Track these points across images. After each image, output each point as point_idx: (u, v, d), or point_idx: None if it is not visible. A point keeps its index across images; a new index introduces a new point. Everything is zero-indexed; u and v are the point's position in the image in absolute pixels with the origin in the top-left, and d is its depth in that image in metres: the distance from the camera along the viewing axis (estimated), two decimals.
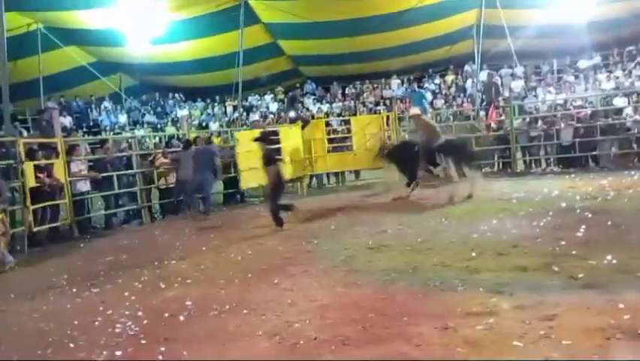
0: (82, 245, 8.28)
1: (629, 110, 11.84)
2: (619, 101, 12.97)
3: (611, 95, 13.50)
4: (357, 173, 13.65)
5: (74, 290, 5.52)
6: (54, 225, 8.67)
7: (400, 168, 10.60)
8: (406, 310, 4.04)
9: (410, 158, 9.96)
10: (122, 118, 19.09)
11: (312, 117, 16.66)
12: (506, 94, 14.86)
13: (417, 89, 17.37)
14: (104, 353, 3.78)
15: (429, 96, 17.05)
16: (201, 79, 19.22)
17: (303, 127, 12.99)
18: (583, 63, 16.86)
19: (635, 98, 12.46)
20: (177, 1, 13.92)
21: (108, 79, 17.83)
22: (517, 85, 16.37)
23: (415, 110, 10.52)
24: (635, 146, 11.40)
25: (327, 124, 13.91)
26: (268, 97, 20.19)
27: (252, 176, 11.08)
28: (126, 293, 5.20)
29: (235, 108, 18.66)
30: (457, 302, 4.13)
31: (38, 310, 4.96)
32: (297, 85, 20.66)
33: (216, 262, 6.25)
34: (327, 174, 13.64)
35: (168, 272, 5.93)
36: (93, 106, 19.18)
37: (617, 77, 15.18)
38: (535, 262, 4.93)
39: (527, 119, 12.68)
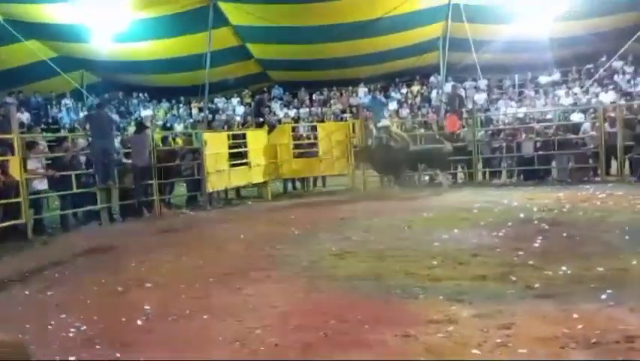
0: (36, 246, 7.99)
1: (586, 126, 12.28)
2: (576, 117, 13.44)
3: (568, 111, 13.97)
4: (323, 180, 13.66)
5: (27, 293, 5.32)
6: (7, 224, 8.33)
7: (381, 169, 11.02)
8: (368, 317, 4.05)
9: (392, 161, 10.37)
10: (88, 114, 18.57)
11: (279, 122, 16.63)
12: (469, 106, 15.19)
13: (378, 98, 17.57)
14: (57, 357, 3.64)
15: (391, 105, 17.31)
16: (167, 79, 18.94)
17: (269, 131, 12.95)
18: (543, 79, 17.42)
19: (592, 115, 12.92)
20: None
21: (69, 75, 17.36)
22: (480, 97, 16.77)
23: (385, 122, 10.88)
24: (590, 160, 11.81)
25: (294, 129, 13.89)
26: (235, 100, 20.05)
27: (219, 178, 11.00)
28: (81, 296, 5.05)
29: (201, 110, 18.46)
30: (418, 310, 4.18)
31: None
32: (265, 89, 20.58)
33: (177, 266, 6.14)
34: (293, 180, 13.61)
35: (126, 275, 5.78)
36: (53, 102, 18.61)
37: (575, 94, 15.73)
38: (494, 271, 5.04)
39: (490, 132, 12.99)
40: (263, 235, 7.71)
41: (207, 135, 11.26)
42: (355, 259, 5.93)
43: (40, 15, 14.18)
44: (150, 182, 10.42)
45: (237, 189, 12.51)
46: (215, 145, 11.07)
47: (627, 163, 11.46)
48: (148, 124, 11.60)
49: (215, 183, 10.99)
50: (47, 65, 16.06)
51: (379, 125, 11.96)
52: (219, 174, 11.01)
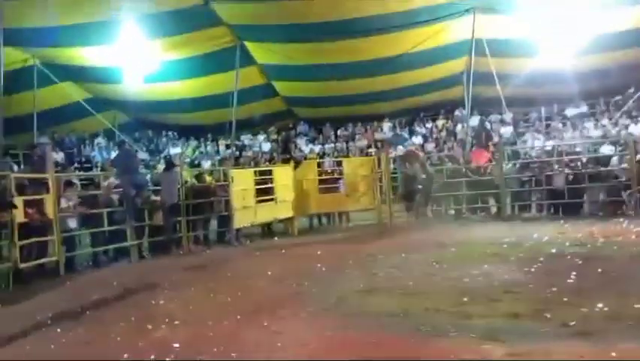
0: (68, 283, 8.11)
1: (614, 159, 12.07)
2: (606, 149, 13.20)
3: (598, 143, 13.75)
4: (347, 216, 13.63)
5: (58, 330, 5.39)
6: (41, 261, 8.52)
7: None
8: (398, 356, 3.99)
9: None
10: (114, 155, 19.08)
11: (305, 158, 16.78)
12: (496, 139, 15.10)
13: (400, 133, 17.62)
14: None
15: (415, 140, 17.37)
16: (195, 117, 19.39)
17: (295, 167, 13.07)
18: (570, 111, 17.24)
19: (621, 147, 12.69)
20: (174, 40, 14.20)
21: (102, 115, 17.95)
22: (507, 131, 16.66)
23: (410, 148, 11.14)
24: (622, 194, 11.53)
25: (319, 165, 13.98)
26: (261, 137, 20.34)
27: (245, 214, 11.08)
28: (112, 334, 5.09)
29: (228, 147, 18.77)
30: (449, 349, 4.09)
31: (21, 351, 4.83)
32: (290, 125, 20.86)
33: (205, 303, 6.15)
34: (319, 215, 13.62)
35: (156, 312, 5.82)
36: (86, 142, 19.20)
37: (604, 126, 15.50)
38: (527, 308, 4.92)
39: (517, 165, 12.85)
40: (290, 271, 7.69)
41: (234, 172, 11.42)
42: (383, 296, 5.86)
43: (76, 58, 14.80)
44: (179, 218, 10.57)
45: (264, 225, 12.56)
46: (242, 181, 11.20)
47: None
48: (177, 162, 11.80)
49: (241, 219, 11.07)
50: (81, 105, 16.67)
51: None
52: (246, 210, 11.10)
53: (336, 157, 16.66)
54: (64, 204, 9.02)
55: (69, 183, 9.53)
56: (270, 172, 12.38)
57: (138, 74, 14.62)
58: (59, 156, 16.47)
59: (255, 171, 12.42)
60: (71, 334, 5.24)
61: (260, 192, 11.71)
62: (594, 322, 4.44)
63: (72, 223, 9.14)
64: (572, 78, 14.99)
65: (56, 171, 10.39)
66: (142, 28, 13.04)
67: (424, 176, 11.84)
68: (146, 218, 10.22)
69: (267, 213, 11.75)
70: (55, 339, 5.10)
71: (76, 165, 16.87)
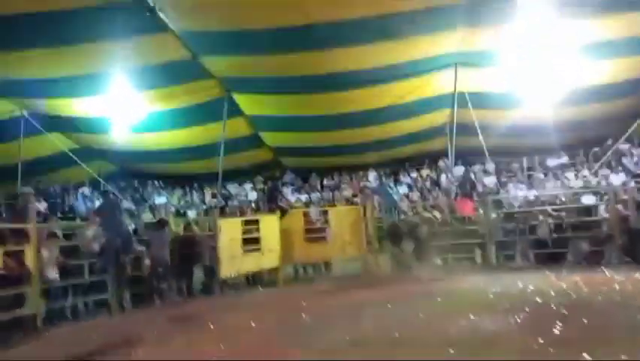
0: (46, 335, 7.88)
1: (601, 209, 12.27)
2: (587, 199, 13.43)
3: (580, 193, 13.99)
4: (327, 265, 13.55)
5: None
6: (18, 314, 8.28)
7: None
8: None
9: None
10: (98, 204, 18.90)
11: (291, 207, 16.78)
12: (480, 189, 15.30)
13: (384, 183, 17.75)
14: None
15: (400, 189, 17.53)
16: (181, 167, 19.41)
17: (281, 217, 13.06)
18: (551, 162, 17.60)
19: (604, 197, 12.93)
20: (162, 92, 14.40)
21: (88, 165, 17.90)
22: (490, 180, 16.89)
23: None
24: (605, 243, 11.65)
25: (305, 214, 14.00)
26: (248, 186, 20.36)
27: (231, 264, 10.95)
28: None
29: (214, 196, 18.73)
30: None
31: None
32: (277, 174, 20.95)
33: (188, 356, 6.00)
34: (304, 265, 13.52)
35: None
36: (70, 191, 19.04)
37: (585, 176, 15.81)
38: (514, 360, 4.87)
39: (502, 215, 12.98)
40: (275, 323, 7.57)
41: (222, 221, 11.38)
42: (369, 347, 5.78)
43: (63, 108, 14.88)
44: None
45: (249, 275, 12.41)
46: (230, 231, 11.14)
47: None
48: (165, 216, 11.76)
49: (227, 269, 10.94)
50: (67, 155, 16.62)
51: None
52: (232, 260, 10.99)
53: (322, 206, 16.69)
54: (45, 254, 8.86)
55: (52, 234, 9.40)
56: (256, 222, 12.35)
57: (125, 124, 14.70)
58: (42, 206, 16.27)
59: (242, 221, 12.38)
60: None
61: (246, 242, 11.64)
62: None
63: (52, 274, 8.95)
64: (551, 130, 15.39)
65: (39, 221, 10.25)
66: (130, 80, 13.22)
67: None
68: (127, 269, 10.07)
69: (253, 263, 11.64)
70: None
71: (59, 214, 16.63)
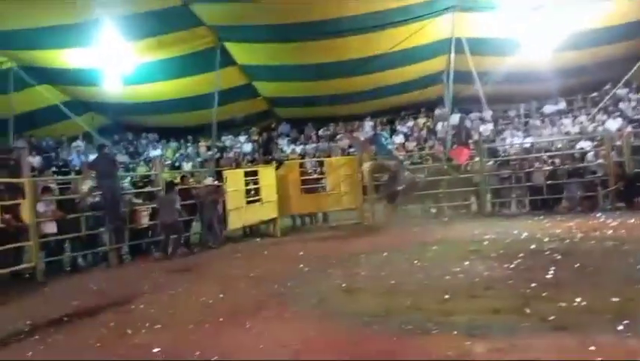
0: (46, 289, 7.98)
1: (590, 155, 12.29)
2: (583, 146, 13.43)
3: (576, 140, 13.96)
4: (324, 216, 13.62)
5: (36, 337, 5.29)
6: (17, 268, 8.36)
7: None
8: (381, 354, 4.00)
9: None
10: (92, 158, 18.77)
11: (287, 158, 16.74)
12: (476, 137, 15.24)
13: (378, 132, 17.65)
14: None
15: (397, 139, 17.47)
16: (175, 119, 19.22)
17: (277, 168, 13.03)
18: (548, 108, 17.48)
19: (598, 143, 12.92)
20: (153, 42, 14.05)
21: (81, 118, 17.68)
22: (486, 129, 16.80)
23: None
24: (599, 189, 11.72)
25: (301, 165, 13.96)
26: (242, 137, 20.24)
27: (238, 216, 10.97)
28: (91, 340, 5.01)
29: (209, 148, 18.64)
30: (431, 346, 4.11)
31: None
32: (272, 126, 20.80)
33: (186, 306, 6.09)
34: (301, 215, 13.60)
35: (136, 317, 5.75)
36: (64, 145, 18.90)
37: (582, 122, 15.74)
38: (507, 304, 4.96)
39: (499, 162, 12.99)
40: (272, 273, 7.66)
41: (228, 172, 11.31)
42: (365, 295, 5.87)
43: (53, 60, 14.56)
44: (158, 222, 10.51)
45: (245, 227, 12.50)
46: (234, 182, 11.09)
47: None
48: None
49: (234, 221, 10.96)
50: (59, 108, 16.38)
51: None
52: (238, 211, 10.99)
53: (318, 157, 16.65)
54: (41, 209, 8.86)
55: (46, 188, 9.36)
56: (255, 173, 12.28)
57: (117, 76, 14.43)
58: (36, 160, 16.19)
59: (245, 172, 12.33)
60: (50, 341, 5.15)
61: (247, 193, 11.64)
62: (572, 316, 4.50)
63: (50, 228, 8.98)
64: (550, 75, 15.21)
65: (33, 176, 10.21)
66: (120, 29, 12.87)
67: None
68: (126, 220, 10.13)
69: (254, 214, 11.66)
70: (33, 347, 5.00)
71: (53, 168, 16.57)
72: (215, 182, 11.68)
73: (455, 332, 4.31)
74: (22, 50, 14.06)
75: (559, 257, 6.92)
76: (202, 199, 11.01)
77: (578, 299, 4.87)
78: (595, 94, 16.72)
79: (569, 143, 13.83)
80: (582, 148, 13.21)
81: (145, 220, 10.54)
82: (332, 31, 14.01)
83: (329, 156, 16.10)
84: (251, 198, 11.56)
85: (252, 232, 12.44)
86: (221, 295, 6.45)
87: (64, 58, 14.40)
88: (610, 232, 8.66)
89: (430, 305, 5.16)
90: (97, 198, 9.90)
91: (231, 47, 15.00)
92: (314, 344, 4.42)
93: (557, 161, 12.28)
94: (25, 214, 8.40)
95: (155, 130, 20.73)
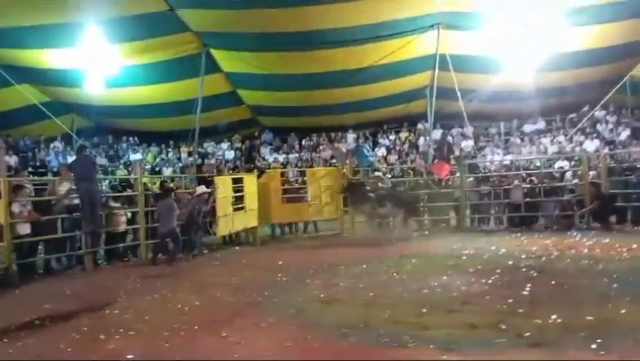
0: (18, 291, 7.79)
1: (568, 174, 12.52)
2: (561, 165, 13.66)
3: (553, 159, 14.21)
4: (315, 224, 13.62)
5: (5, 340, 5.15)
6: None
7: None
8: None
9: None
10: (71, 159, 18.46)
11: (269, 167, 16.70)
12: (457, 153, 15.42)
13: (360, 144, 17.78)
14: None
15: (379, 152, 17.60)
16: (157, 123, 19.06)
17: (258, 176, 12.99)
18: (528, 127, 17.78)
19: (576, 163, 13.16)
20: (138, 45, 13.95)
21: (60, 119, 17.39)
22: (467, 145, 17.03)
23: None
24: (575, 208, 11.92)
25: (283, 174, 13.94)
26: (225, 145, 20.15)
27: (225, 223, 10.87)
28: (62, 345, 4.90)
29: (190, 154, 18.50)
30: (408, 359, 4.10)
31: None
32: (255, 134, 20.75)
33: (161, 313, 6.00)
34: (281, 225, 13.55)
35: (109, 322, 5.64)
36: (42, 146, 18.57)
37: (560, 142, 16.04)
38: (484, 319, 4.99)
39: (479, 178, 13.14)
40: (250, 281, 7.60)
41: (218, 179, 11.22)
42: (343, 306, 5.85)
43: (34, 60, 14.35)
44: (137, 226, 10.37)
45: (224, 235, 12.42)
46: (223, 189, 10.97)
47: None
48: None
49: (223, 228, 10.85)
50: (38, 108, 16.08)
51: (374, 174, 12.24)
52: (226, 218, 10.89)
53: (300, 167, 16.66)
54: (16, 209, 8.67)
55: (19, 186, 9.14)
56: (241, 180, 12.20)
57: (100, 78, 14.28)
58: (13, 160, 15.88)
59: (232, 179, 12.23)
60: (20, 345, 5.02)
61: (234, 201, 11.54)
62: (548, 332, 4.55)
63: (24, 229, 8.78)
64: (530, 95, 15.52)
65: (9, 175, 10.00)
66: (105, 31, 12.76)
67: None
68: (102, 224, 9.95)
69: (239, 221, 11.56)
70: (3, 351, 4.87)
71: (30, 169, 16.26)
72: (207, 189, 11.51)
73: (432, 346, 4.33)
74: (2, 48, 13.83)
75: (535, 274, 7.00)
76: (191, 207, 10.81)
77: (554, 316, 4.92)
78: (573, 115, 17.08)
79: (548, 162, 14.07)
80: (560, 167, 13.43)
81: (122, 224, 10.38)
82: (318, 42, 14.08)
83: (311, 166, 16.11)
84: (237, 206, 11.48)
85: (231, 239, 12.34)
86: (198, 303, 6.38)
87: (46, 58, 14.21)
88: (585, 250, 8.79)
89: (407, 318, 5.17)
90: (74, 201, 9.72)
91: (217, 54, 14.97)
92: (290, 354, 4.39)
93: (535, 179, 12.46)
94: (0, 214, 8.21)
95: (137, 134, 20.49)
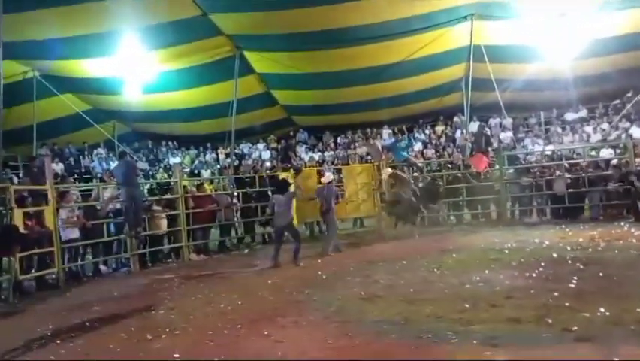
0: (68, 294, 8.09)
1: (613, 163, 12.08)
2: (605, 153, 13.22)
3: (598, 147, 13.75)
4: (361, 221, 13.57)
5: (58, 342, 5.36)
6: (41, 273, 8.50)
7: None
8: None
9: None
10: (114, 165, 19.03)
11: (305, 166, 16.78)
12: (495, 144, 15.12)
13: (396, 140, 17.66)
14: None
15: (415, 146, 17.43)
16: (194, 127, 19.41)
17: (295, 175, 13.06)
18: (569, 115, 17.26)
19: (621, 150, 12.70)
20: (173, 51, 14.24)
21: (102, 126, 17.97)
22: (506, 136, 16.67)
23: (388, 172, 11.70)
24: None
25: (319, 173, 13.96)
26: (261, 145, 20.36)
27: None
28: (111, 345, 5.06)
29: (227, 156, 18.78)
30: (450, 355, 4.07)
31: None
32: (291, 133, 20.89)
33: (205, 312, 6.12)
34: (319, 222, 13.57)
35: (156, 322, 5.79)
36: (86, 153, 19.22)
37: (604, 130, 15.51)
38: (529, 314, 4.89)
39: (519, 169, 12.85)
40: (290, 280, 7.67)
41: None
42: (384, 303, 5.83)
43: (75, 70, 14.83)
44: (179, 228, 10.61)
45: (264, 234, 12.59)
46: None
47: None
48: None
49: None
50: (81, 117, 16.67)
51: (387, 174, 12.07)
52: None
53: (336, 165, 16.66)
54: (63, 215, 9.00)
55: (64, 193, 9.49)
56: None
57: (138, 84, 14.66)
58: (59, 168, 16.47)
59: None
60: (71, 346, 5.21)
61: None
62: (596, 326, 4.41)
63: (72, 234, 9.12)
64: (570, 83, 15.05)
65: (55, 183, 10.38)
66: (141, 39, 13.06)
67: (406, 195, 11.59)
68: (146, 227, 10.22)
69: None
70: (55, 352, 5.07)
71: (75, 176, 16.83)
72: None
73: (475, 342, 4.26)
74: (45, 59, 14.34)
75: (581, 266, 6.80)
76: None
77: (602, 310, 4.77)
78: (617, 101, 16.46)
79: (592, 150, 13.62)
80: (605, 155, 12.99)
81: (164, 227, 10.63)
82: (350, 39, 14.03)
83: (347, 164, 16.09)
84: None
85: (270, 238, 12.47)
86: (240, 302, 6.48)
87: (86, 67, 14.66)
88: (634, 241, 8.48)
89: (449, 314, 5.10)
90: (118, 205, 10.02)
91: (250, 56, 15.13)
92: (332, 352, 4.40)
93: (580, 168, 12.09)
94: (48, 220, 8.54)
95: (175, 138, 20.96)
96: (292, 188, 10.13)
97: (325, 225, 10.44)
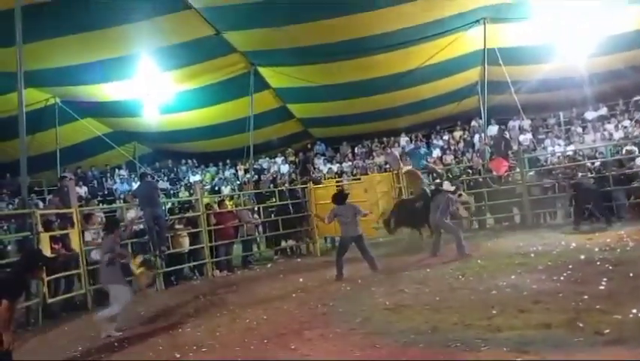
0: (95, 315, 8.17)
1: (638, 160, 11.82)
2: (629, 150, 12.94)
3: (621, 145, 13.50)
4: None
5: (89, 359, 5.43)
6: (68, 295, 8.62)
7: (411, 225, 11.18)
8: None
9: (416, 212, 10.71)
10: (136, 185, 19.30)
11: (323, 178, 16.80)
12: (515, 147, 14.95)
13: (414, 147, 17.58)
14: None
15: (434, 152, 17.34)
16: (213, 144, 19.60)
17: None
18: (589, 114, 17.00)
19: None
20: (189, 70, 14.44)
21: (123, 148, 18.29)
22: (526, 138, 16.48)
23: (406, 167, 11.02)
24: None
25: (338, 184, 13.95)
26: (279, 159, 20.46)
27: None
28: None
29: (247, 171, 18.91)
30: None
31: None
32: (308, 146, 20.96)
33: (231, 328, 6.15)
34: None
35: (183, 340, 5.83)
36: (108, 175, 19.54)
37: (626, 127, 15.24)
38: (558, 318, 4.80)
39: (541, 171, 12.68)
40: (314, 292, 7.66)
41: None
42: (410, 312, 5.79)
43: (95, 94, 15.13)
44: (201, 246, 10.68)
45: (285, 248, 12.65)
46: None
47: None
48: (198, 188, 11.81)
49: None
50: (102, 139, 17.00)
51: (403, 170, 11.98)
52: None
53: (355, 175, 16.64)
54: (88, 237, 9.14)
55: (89, 215, 9.64)
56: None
57: (155, 105, 14.89)
58: (83, 190, 16.75)
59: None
60: None
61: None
62: (629, 329, 4.31)
63: (98, 255, 9.23)
64: (587, 81, 14.83)
65: (80, 206, 10.56)
66: (157, 61, 13.29)
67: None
68: (170, 246, 10.31)
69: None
70: None
71: (99, 198, 17.11)
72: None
73: (505, 349, 4.20)
74: (66, 85, 14.68)
75: (611, 268, 6.66)
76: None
77: (634, 311, 4.66)
78: (638, 97, 16.16)
79: (615, 148, 13.37)
80: (629, 152, 12.73)
81: (186, 245, 10.71)
82: (362, 49, 14.05)
83: (366, 174, 16.05)
84: None
85: (291, 252, 12.52)
86: (265, 317, 6.49)
87: (104, 91, 14.94)
88: None
89: (477, 321, 5.04)
90: (141, 226, 10.15)
91: (264, 71, 15.27)
92: None
93: (603, 168, 11.87)
94: (75, 243, 8.68)
95: (195, 156, 21.19)
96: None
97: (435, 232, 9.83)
